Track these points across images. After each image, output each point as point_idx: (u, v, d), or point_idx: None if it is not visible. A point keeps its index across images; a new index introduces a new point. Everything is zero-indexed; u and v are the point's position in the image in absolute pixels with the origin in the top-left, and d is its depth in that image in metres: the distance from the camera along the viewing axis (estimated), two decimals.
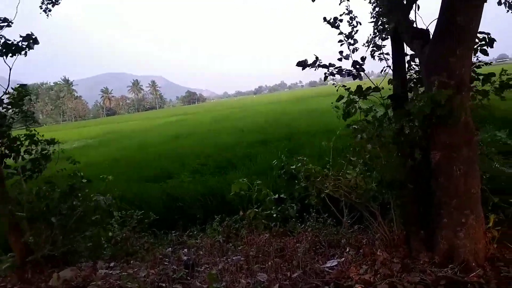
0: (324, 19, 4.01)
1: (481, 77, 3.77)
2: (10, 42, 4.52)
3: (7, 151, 4.62)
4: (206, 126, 24.99)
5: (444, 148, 3.29)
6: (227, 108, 49.64)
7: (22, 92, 4.71)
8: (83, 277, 4.21)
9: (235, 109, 42.54)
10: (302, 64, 3.94)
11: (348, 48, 4.02)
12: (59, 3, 5.72)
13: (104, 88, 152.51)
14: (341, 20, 4.06)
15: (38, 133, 4.82)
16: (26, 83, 5.00)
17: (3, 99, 4.56)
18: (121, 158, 14.05)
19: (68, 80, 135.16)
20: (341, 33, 4.04)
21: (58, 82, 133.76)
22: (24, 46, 4.56)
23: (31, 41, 4.56)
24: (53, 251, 4.48)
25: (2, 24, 4.46)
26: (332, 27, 4.05)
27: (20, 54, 4.57)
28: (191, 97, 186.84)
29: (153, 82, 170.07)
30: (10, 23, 4.51)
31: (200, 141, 16.56)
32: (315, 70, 3.95)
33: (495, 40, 3.72)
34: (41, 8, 5.64)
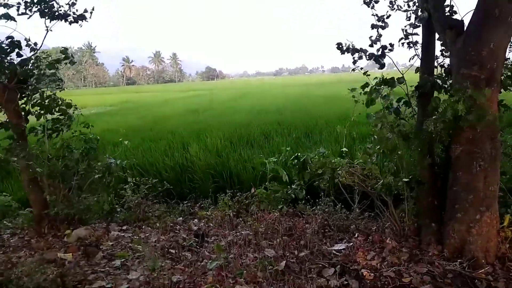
0: None
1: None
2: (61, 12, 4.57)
3: (31, 109, 4.72)
4: (223, 103, 24.98)
5: (466, 142, 3.23)
6: (246, 87, 49.46)
7: (65, 55, 4.82)
8: (96, 236, 4.36)
9: (254, 89, 42.31)
10: (340, 48, 3.94)
11: (377, 31, 3.91)
12: None
13: (126, 57, 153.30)
14: (376, 1, 3.95)
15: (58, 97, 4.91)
16: (50, 46, 5.06)
17: (31, 58, 4.62)
18: (137, 127, 14.23)
19: (91, 46, 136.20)
20: (376, 16, 3.93)
21: (82, 48, 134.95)
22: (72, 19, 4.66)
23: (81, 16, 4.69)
24: (69, 209, 4.63)
25: None
26: (367, 6, 3.95)
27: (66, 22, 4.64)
28: (211, 73, 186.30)
29: (174, 54, 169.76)
30: None
31: (217, 117, 16.61)
32: (352, 55, 3.90)
33: None
34: None
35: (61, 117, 4.87)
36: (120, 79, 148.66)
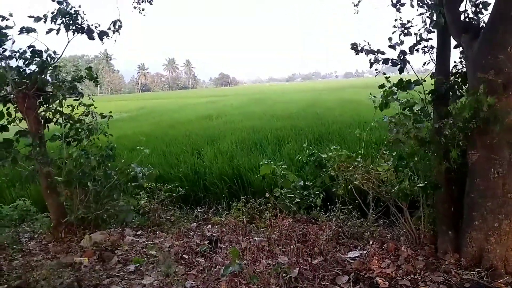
0: None
1: None
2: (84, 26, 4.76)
3: (51, 117, 4.85)
4: (237, 109, 25.09)
5: (483, 148, 3.17)
6: (259, 92, 49.62)
7: (90, 75, 5.02)
8: (112, 241, 4.42)
9: (267, 95, 42.41)
10: (354, 48, 3.91)
11: (399, 37, 3.87)
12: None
13: (141, 64, 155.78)
14: (402, 4, 3.92)
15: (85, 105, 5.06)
16: (67, 55, 5.22)
17: (49, 65, 4.74)
18: (152, 133, 14.41)
19: (107, 54, 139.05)
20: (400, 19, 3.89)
21: (98, 55, 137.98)
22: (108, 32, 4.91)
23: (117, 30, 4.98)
24: (86, 215, 4.71)
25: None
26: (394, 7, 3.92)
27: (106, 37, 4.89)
28: (224, 79, 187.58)
29: (188, 61, 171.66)
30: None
31: (230, 123, 16.69)
32: (366, 55, 3.88)
33: None
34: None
35: (83, 125, 5.00)
36: (136, 86, 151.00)
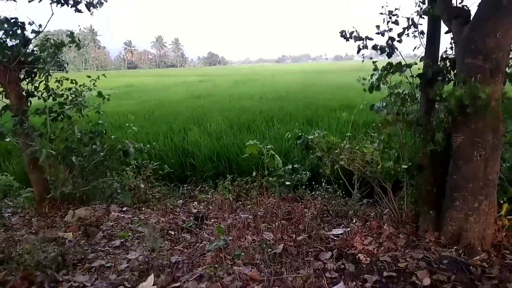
0: None
1: None
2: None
3: (35, 91, 4.73)
4: (225, 89, 24.87)
5: (468, 132, 3.22)
6: (248, 73, 49.18)
7: (72, 39, 4.82)
8: (96, 217, 4.41)
9: (257, 75, 42.05)
10: (343, 36, 3.91)
11: (387, 24, 3.86)
12: None
13: (128, 41, 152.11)
14: None
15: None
16: (52, 28, 5.05)
17: (30, 39, 4.59)
18: (139, 111, 14.22)
19: (93, 29, 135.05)
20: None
21: (84, 30, 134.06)
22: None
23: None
24: (71, 191, 4.67)
25: None
26: None
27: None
28: (213, 59, 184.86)
29: (176, 39, 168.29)
30: None
31: (219, 102, 16.57)
32: (354, 42, 3.87)
33: None
34: None
35: (67, 99, 4.88)
36: (122, 63, 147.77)
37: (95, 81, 5.03)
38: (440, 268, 2.97)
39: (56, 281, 3.04)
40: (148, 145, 5.20)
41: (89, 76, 5.03)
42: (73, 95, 4.91)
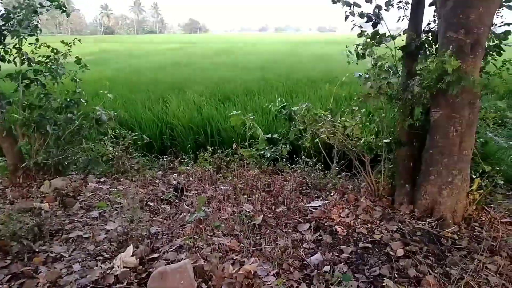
0: None
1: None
2: None
3: (4, 55, 4.46)
4: (206, 58, 24.26)
5: (446, 107, 3.27)
6: (230, 42, 48.06)
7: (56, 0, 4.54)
8: (73, 187, 4.33)
9: (239, 44, 41.14)
10: None
11: None
12: None
13: (104, 4, 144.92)
14: None
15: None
16: None
17: None
18: (116, 78, 13.74)
19: None
20: None
21: None
22: None
23: None
24: (46, 160, 4.54)
25: None
26: None
27: None
28: (194, 26, 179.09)
29: (155, 4, 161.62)
30: None
31: (199, 71, 16.18)
32: (342, 7, 3.82)
33: None
34: None
35: (42, 65, 4.63)
36: (98, 27, 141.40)
37: (70, 47, 4.78)
38: (413, 239, 3.09)
39: (32, 252, 3.02)
40: (126, 117, 5.07)
41: (63, 41, 4.77)
42: (49, 62, 4.66)
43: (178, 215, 3.68)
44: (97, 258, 2.93)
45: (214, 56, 25.72)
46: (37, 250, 3.04)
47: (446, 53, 3.03)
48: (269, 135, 5.42)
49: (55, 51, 4.69)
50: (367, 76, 3.69)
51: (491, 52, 3.63)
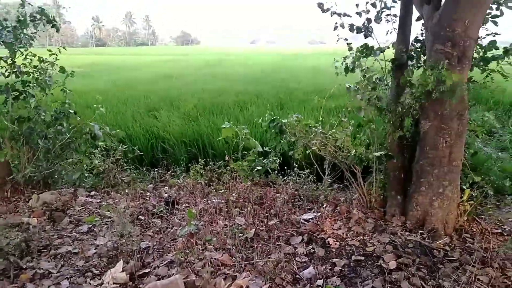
0: None
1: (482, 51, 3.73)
2: None
3: None
4: (199, 70, 24.37)
5: (435, 118, 3.32)
6: (221, 54, 48.39)
7: (46, 17, 4.58)
8: (63, 201, 4.26)
9: (230, 56, 41.45)
10: (320, 7, 3.94)
11: (365, 5, 3.91)
12: None
13: (95, 16, 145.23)
14: None
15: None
16: (10, 1, 4.70)
17: None
18: (107, 91, 13.69)
19: (57, 2, 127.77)
20: None
21: (47, 4, 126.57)
22: None
23: None
24: (35, 174, 4.47)
25: None
26: None
27: None
28: (185, 38, 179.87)
29: (147, 16, 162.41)
30: None
31: (192, 83, 16.23)
32: (331, 16, 3.92)
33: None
34: None
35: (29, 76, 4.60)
36: (89, 39, 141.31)
37: (56, 55, 4.75)
38: (405, 251, 3.09)
39: (19, 268, 2.94)
40: (117, 129, 5.05)
41: (49, 50, 4.74)
42: (38, 73, 4.63)
43: (169, 229, 3.63)
44: (86, 274, 2.87)
45: (206, 68, 25.85)
46: (24, 266, 2.97)
47: (440, 66, 3.09)
48: (260, 149, 5.41)
49: (41, 59, 4.66)
50: (356, 88, 3.73)
51: (480, 63, 3.71)
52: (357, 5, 3.90)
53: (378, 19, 4.01)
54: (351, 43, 3.94)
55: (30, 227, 3.62)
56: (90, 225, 3.74)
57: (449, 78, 3.02)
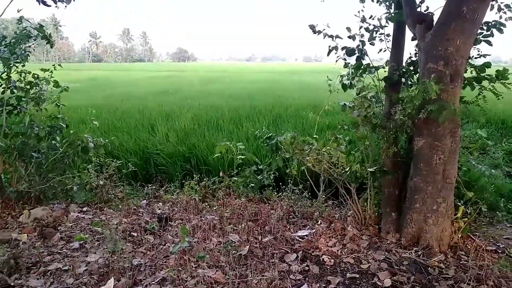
0: None
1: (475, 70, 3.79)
2: None
3: None
4: (194, 86, 24.55)
5: (428, 135, 3.34)
6: (218, 70, 48.84)
7: (42, 34, 4.56)
8: (54, 217, 4.20)
9: (226, 73, 41.85)
10: (312, 28, 4.00)
11: (359, 29, 4.02)
12: None
13: (93, 32, 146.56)
14: None
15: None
16: (9, 17, 4.77)
17: None
18: (103, 106, 13.70)
19: (55, 19, 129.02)
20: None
21: (45, 20, 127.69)
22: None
23: None
24: (27, 189, 4.42)
25: None
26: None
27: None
28: (182, 54, 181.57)
29: (144, 33, 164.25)
30: None
31: (187, 99, 16.30)
32: (323, 38, 3.99)
33: (504, 26, 3.71)
34: None
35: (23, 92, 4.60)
36: (86, 55, 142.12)
37: (51, 72, 4.77)
38: (400, 269, 3.07)
39: (7, 286, 2.87)
40: (106, 140, 5.03)
41: (43, 69, 4.76)
42: (32, 88, 4.65)
43: (161, 246, 3.58)
44: None
45: (202, 84, 26.03)
46: (12, 284, 2.90)
47: (427, 81, 3.14)
48: (257, 160, 5.42)
49: (35, 76, 4.67)
50: (351, 105, 3.77)
51: (473, 82, 3.76)
52: (348, 29, 3.97)
53: (372, 39, 4.09)
54: (349, 63, 4.02)
55: (20, 243, 3.55)
56: (82, 242, 3.67)
57: (433, 90, 3.06)
